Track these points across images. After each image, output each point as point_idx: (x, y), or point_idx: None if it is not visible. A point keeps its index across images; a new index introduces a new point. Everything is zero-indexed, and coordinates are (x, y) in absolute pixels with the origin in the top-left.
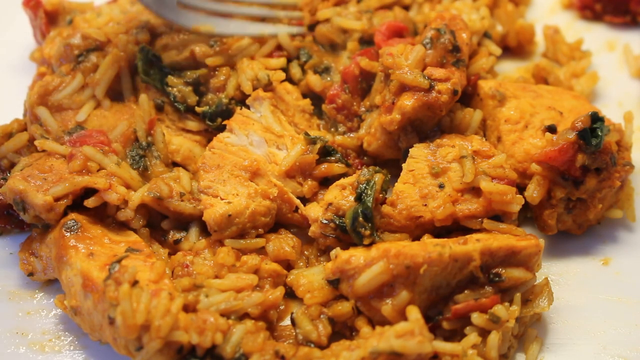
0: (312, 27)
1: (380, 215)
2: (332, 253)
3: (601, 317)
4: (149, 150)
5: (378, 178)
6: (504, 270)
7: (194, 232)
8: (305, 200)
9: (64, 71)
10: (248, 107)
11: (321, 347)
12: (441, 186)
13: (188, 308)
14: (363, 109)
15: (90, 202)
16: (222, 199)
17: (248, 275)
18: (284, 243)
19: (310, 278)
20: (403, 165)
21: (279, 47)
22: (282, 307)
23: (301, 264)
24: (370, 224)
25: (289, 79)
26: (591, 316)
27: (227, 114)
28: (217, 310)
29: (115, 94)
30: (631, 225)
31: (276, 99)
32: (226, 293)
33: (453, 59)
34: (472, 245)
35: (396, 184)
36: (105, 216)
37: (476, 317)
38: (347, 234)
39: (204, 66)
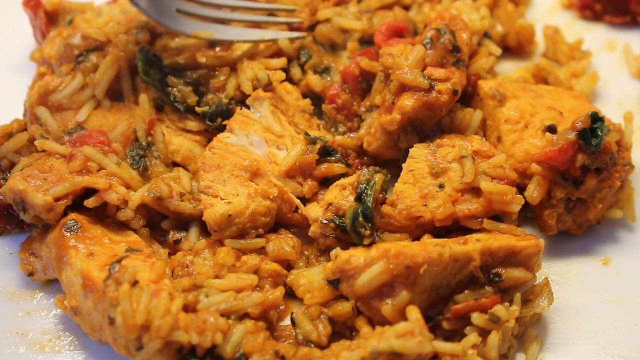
0: (312, 27)
1: (380, 215)
2: (332, 253)
3: (601, 317)
4: (149, 150)
5: (378, 178)
6: (504, 270)
7: (194, 232)
8: (305, 200)
9: (64, 71)
10: (248, 107)
11: (321, 347)
12: (441, 186)
13: (188, 308)
14: (363, 109)
15: (90, 202)
16: (222, 199)
17: (248, 275)
18: (284, 243)
19: (310, 278)
20: (403, 165)
21: (279, 52)
22: (282, 307)
23: (301, 264)
24: (370, 224)
25: (289, 79)
26: (591, 316)
27: (227, 114)
28: (217, 310)
29: (115, 94)
30: (631, 225)
31: (276, 99)
32: (226, 293)
33: (453, 59)
34: (472, 245)
35: (396, 184)
36: (105, 216)
37: (476, 317)
38: (347, 234)
39: (204, 66)
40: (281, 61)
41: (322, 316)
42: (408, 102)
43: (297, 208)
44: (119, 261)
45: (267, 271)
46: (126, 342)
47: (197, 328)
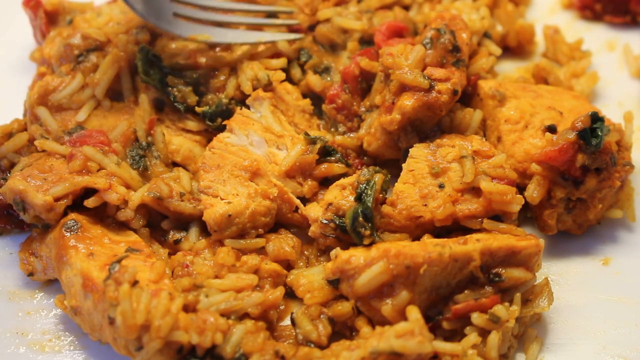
0: (312, 27)
1: (380, 215)
2: (332, 253)
3: (601, 317)
4: (149, 150)
5: (378, 178)
6: (504, 270)
7: (194, 232)
8: (305, 200)
9: (64, 71)
10: (248, 107)
11: (321, 347)
12: (441, 186)
13: (188, 308)
14: (363, 109)
15: (90, 202)
16: (222, 199)
17: (248, 275)
18: (284, 243)
19: (310, 278)
20: (403, 165)
21: (279, 52)
22: (282, 307)
23: (301, 264)
24: (370, 224)
25: (289, 79)
26: (591, 316)
27: (227, 114)
28: (217, 310)
29: (115, 94)
30: (631, 225)
31: (276, 99)
32: (226, 293)
33: (453, 59)
34: (472, 245)
35: (396, 184)
36: (105, 216)
37: (476, 317)
38: (347, 234)
39: (204, 66)
40: (281, 61)
41: (322, 316)
42: (408, 102)
43: (297, 208)
44: (119, 261)
45: (267, 271)
46: (126, 342)
47: (197, 328)
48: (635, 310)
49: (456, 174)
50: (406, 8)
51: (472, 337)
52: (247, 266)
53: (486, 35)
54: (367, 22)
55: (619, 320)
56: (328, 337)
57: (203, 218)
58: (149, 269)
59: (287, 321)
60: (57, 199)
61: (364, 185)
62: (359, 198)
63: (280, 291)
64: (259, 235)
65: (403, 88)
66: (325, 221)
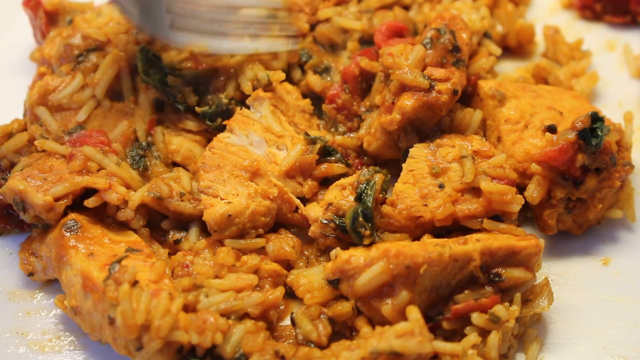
0: (312, 27)
1: (380, 215)
2: (332, 253)
3: (601, 317)
4: (149, 150)
5: (378, 178)
6: (504, 270)
7: (194, 232)
8: (305, 200)
9: (64, 71)
10: (248, 107)
11: (321, 347)
12: (441, 186)
13: (188, 308)
14: (363, 109)
15: (90, 202)
16: (222, 199)
17: (248, 275)
18: (284, 243)
19: (310, 278)
20: (403, 165)
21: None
22: (282, 307)
23: (301, 264)
24: (370, 224)
25: (289, 79)
26: (591, 316)
27: (227, 114)
28: (217, 310)
29: (115, 94)
30: (631, 225)
31: (276, 99)
32: (226, 293)
33: (453, 59)
34: (472, 245)
35: (396, 184)
36: (105, 216)
37: (476, 317)
38: (347, 234)
39: (204, 67)
40: (281, 62)
41: (322, 316)
42: (408, 102)
43: (297, 208)
44: (119, 261)
45: (267, 271)
46: (126, 342)
47: (197, 328)
48: (635, 310)
49: (456, 174)
50: (406, 8)
51: (472, 337)
52: (247, 266)
53: (486, 35)
54: (367, 22)
55: (619, 320)
56: (328, 337)
57: (203, 218)
58: (149, 269)
59: (287, 321)
60: (57, 199)
61: (364, 185)
62: (359, 198)
63: (280, 291)
64: (259, 235)
65: (403, 88)
66: (325, 221)
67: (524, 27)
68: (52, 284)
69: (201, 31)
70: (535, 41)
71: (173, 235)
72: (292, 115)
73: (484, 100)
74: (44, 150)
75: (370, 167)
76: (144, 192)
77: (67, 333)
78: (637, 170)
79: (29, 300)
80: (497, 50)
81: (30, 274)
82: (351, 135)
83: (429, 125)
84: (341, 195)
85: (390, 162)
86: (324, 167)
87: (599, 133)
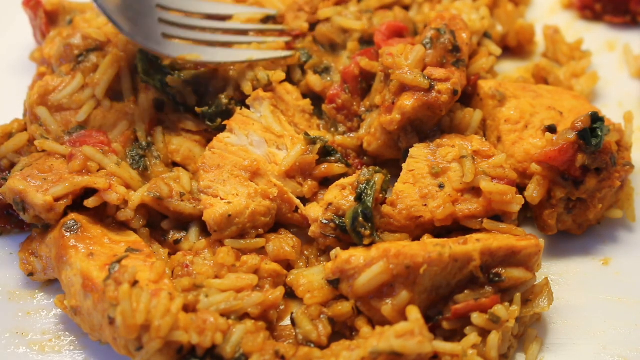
0: (312, 27)
1: (380, 215)
2: (332, 253)
3: (601, 317)
4: (149, 150)
5: (378, 178)
6: (504, 270)
7: (194, 232)
8: (305, 200)
9: (64, 71)
10: (248, 107)
11: (321, 347)
12: (441, 186)
13: (188, 308)
14: (363, 109)
15: (90, 202)
16: (222, 199)
17: (248, 275)
18: (284, 243)
19: (310, 278)
20: (403, 165)
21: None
22: (282, 307)
23: (301, 264)
24: (370, 224)
25: (289, 79)
26: (591, 316)
27: (227, 114)
28: (217, 310)
29: (115, 94)
30: (631, 225)
31: (276, 99)
32: (226, 293)
33: (453, 59)
34: (472, 245)
35: (396, 184)
36: (105, 216)
37: (476, 317)
38: (347, 234)
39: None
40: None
41: (322, 316)
42: (408, 102)
43: (297, 208)
44: (119, 261)
45: (267, 271)
46: (126, 342)
47: (197, 328)
48: (635, 310)
49: (456, 174)
50: (406, 8)
51: (472, 337)
52: (247, 266)
53: (486, 35)
54: (367, 22)
55: (619, 320)
56: (328, 337)
57: (203, 218)
58: (149, 269)
59: (287, 321)
60: (57, 199)
61: (364, 185)
62: (359, 198)
63: (280, 291)
64: (259, 235)
65: (403, 88)
66: (325, 221)
67: (524, 27)
68: (52, 284)
69: (194, 40)
70: (535, 41)
71: (173, 235)
72: (292, 115)
73: (484, 100)
74: (44, 150)
75: (370, 167)
76: (144, 192)
77: (67, 333)
78: (637, 170)
79: (29, 300)
80: (497, 50)
81: (30, 274)
82: (351, 135)
83: (429, 125)
84: (341, 195)
85: (390, 162)
86: (324, 167)
87: (599, 133)
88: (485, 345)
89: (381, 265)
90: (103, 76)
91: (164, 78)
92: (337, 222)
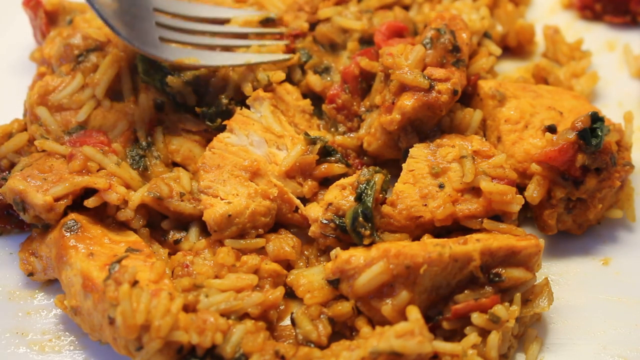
0: (312, 27)
1: (380, 215)
2: (332, 253)
3: (601, 317)
4: (149, 150)
5: (378, 178)
6: (504, 270)
7: (194, 232)
8: (305, 200)
9: (64, 71)
10: (248, 107)
11: (321, 347)
12: (441, 186)
13: (188, 308)
14: (363, 109)
15: (90, 202)
16: (222, 199)
17: (248, 275)
18: (284, 243)
19: (310, 278)
20: (403, 165)
21: None
22: (282, 307)
23: (301, 264)
24: (370, 224)
25: (289, 79)
26: (591, 316)
27: (227, 114)
28: (217, 310)
29: (115, 94)
30: (631, 225)
31: (276, 99)
32: (226, 293)
33: (453, 59)
34: (472, 245)
35: (396, 184)
36: (105, 216)
37: (476, 317)
38: (347, 234)
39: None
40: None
41: (322, 316)
42: (408, 102)
43: (297, 208)
44: (119, 261)
45: (267, 271)
46: (126, 342)
47: (197, 328)
48: (635, 310)
49: (456, 174)
50: (406, 8)
51: (472, 337)
52: (247, 266)
53: (486, 35)
54: (367, 22)
55: (619, 320)
56: (328, 337)
57: (203, 218)
58: (149, 269)
59: (287, 321)
60: (57, 199)
61: (364, 185)
62: (359, 198)
63: (280, 291)
64: (259, 235)
65: (403, 88)
66: (325, 221)
67: (524, 27)
68: (52, 284)
69: (191, 44)
70: (535, 41)
71: (173, 235)
72: (292, 116)
73: (484, 100)
74: (44, 150)
75: (370, 167)
76: (144, 192)
77: (67, 333)
78: (637, 170)
79: (29, 300)
80: (497, 50)
81: (30, 274)
82: (351, 135)
83: (429, 125)
84: (341, 195)
85: (390, 162)
86: (324, 167)
87: (599, 133)
88: (485, 345)
89: (381, 265)
90: (103, 76)
91: (164, 78)
92: (337, 222)
